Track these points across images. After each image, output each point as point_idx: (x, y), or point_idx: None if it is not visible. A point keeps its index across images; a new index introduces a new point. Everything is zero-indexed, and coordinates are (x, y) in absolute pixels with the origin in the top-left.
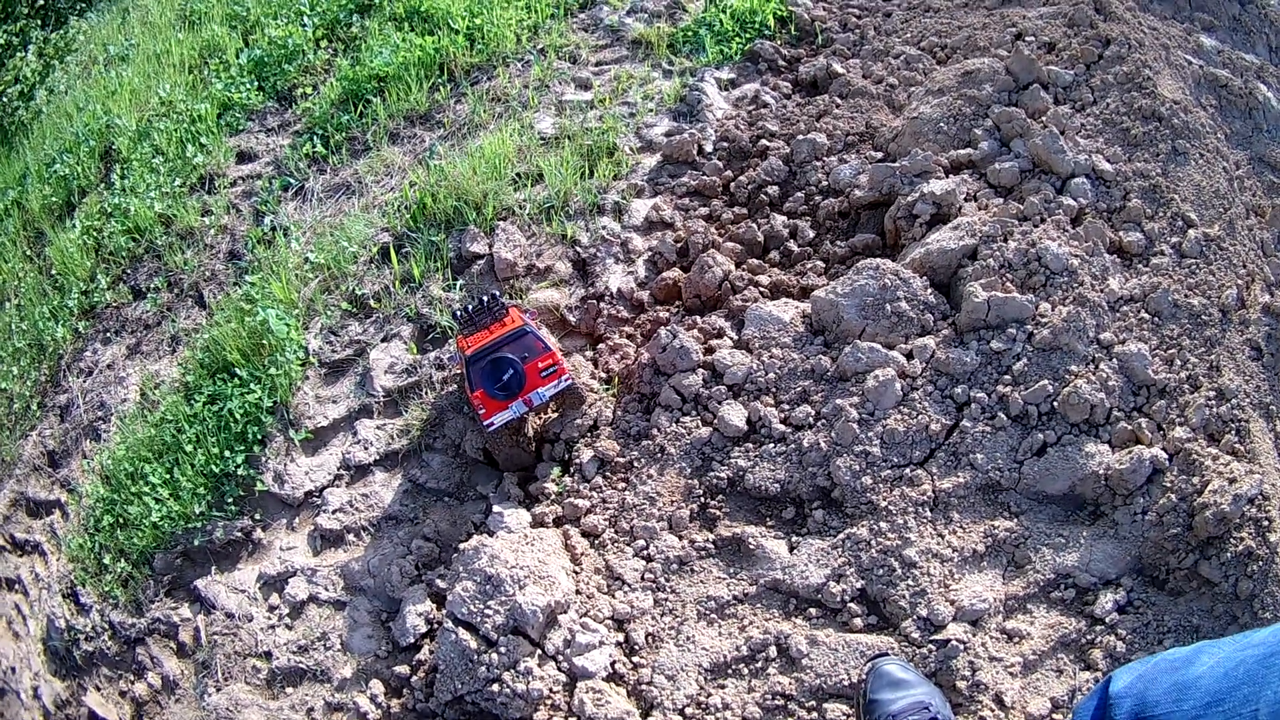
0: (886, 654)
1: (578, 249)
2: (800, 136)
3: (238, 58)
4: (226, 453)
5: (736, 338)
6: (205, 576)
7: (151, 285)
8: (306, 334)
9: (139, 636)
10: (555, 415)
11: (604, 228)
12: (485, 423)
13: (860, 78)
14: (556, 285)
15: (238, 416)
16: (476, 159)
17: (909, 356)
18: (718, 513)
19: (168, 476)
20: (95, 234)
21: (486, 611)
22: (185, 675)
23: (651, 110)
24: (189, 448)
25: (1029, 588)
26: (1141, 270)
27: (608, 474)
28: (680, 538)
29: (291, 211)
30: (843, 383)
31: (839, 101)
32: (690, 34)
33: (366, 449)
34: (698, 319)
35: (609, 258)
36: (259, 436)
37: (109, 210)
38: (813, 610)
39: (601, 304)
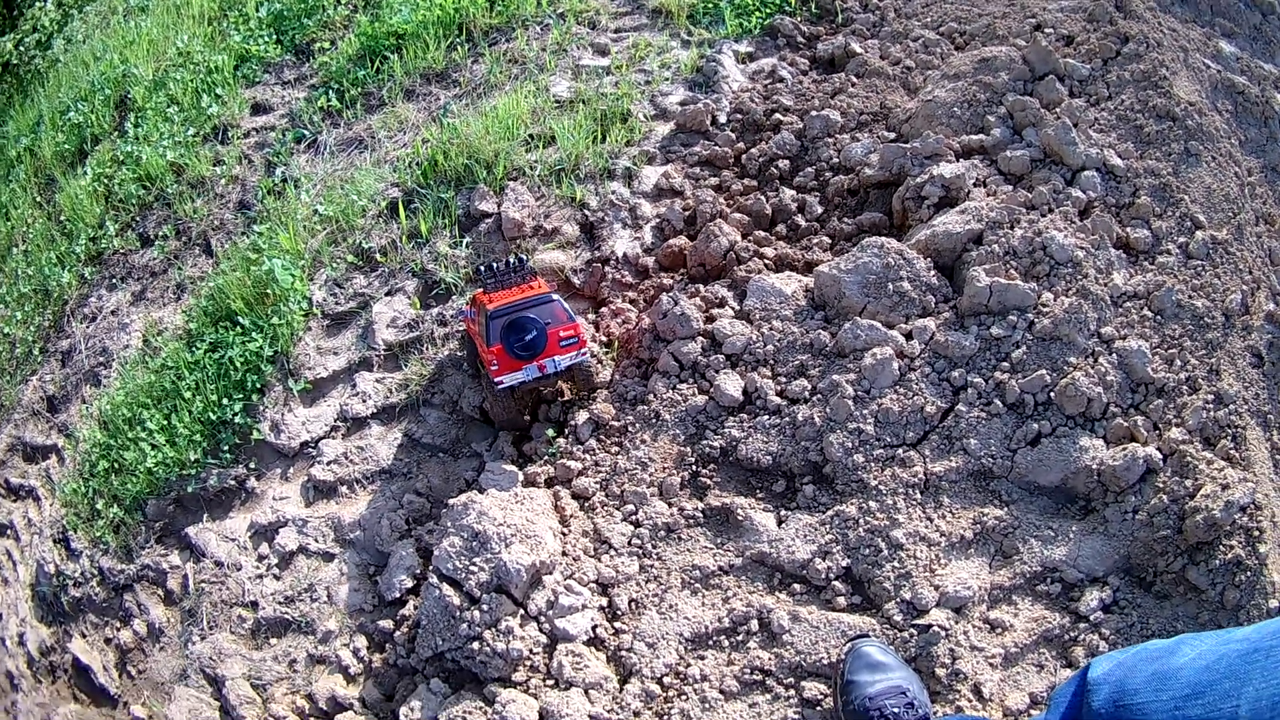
0: (867, 635)
1: (586, 212)
2: (814, 113)
3: (257, 10)
4: (225, 400)
5: (738, 308)
6: (197, 524)
7: (160, 233)
8: (311, 285)
9: (127, 583)
10: (558, 396)
11: (613, 193)
12: (496, 379)
13: (878, 58)
14: (563, 247)
15: (238, 365)
16: (490, 119)
17: (908, 337)
18: (708, 482)
19: (165, 423)
20: (106, 181)
21: (471, 568)
22: (171, 623)
23: (668, 79)
24: (188, 394)
25: (1015, 579)
26: (1147, 268)
27: (602, 437)
28: (670, 505)
29: (303, 164)
30: (841, 359)
31: (855, 80)
32: (710, 6)
33: (364, 402)
34: (700, 287)
35: (616, 223)
36: (258, 385)
37: (121, 158)
38: (797, 586)
39: (606, 268)
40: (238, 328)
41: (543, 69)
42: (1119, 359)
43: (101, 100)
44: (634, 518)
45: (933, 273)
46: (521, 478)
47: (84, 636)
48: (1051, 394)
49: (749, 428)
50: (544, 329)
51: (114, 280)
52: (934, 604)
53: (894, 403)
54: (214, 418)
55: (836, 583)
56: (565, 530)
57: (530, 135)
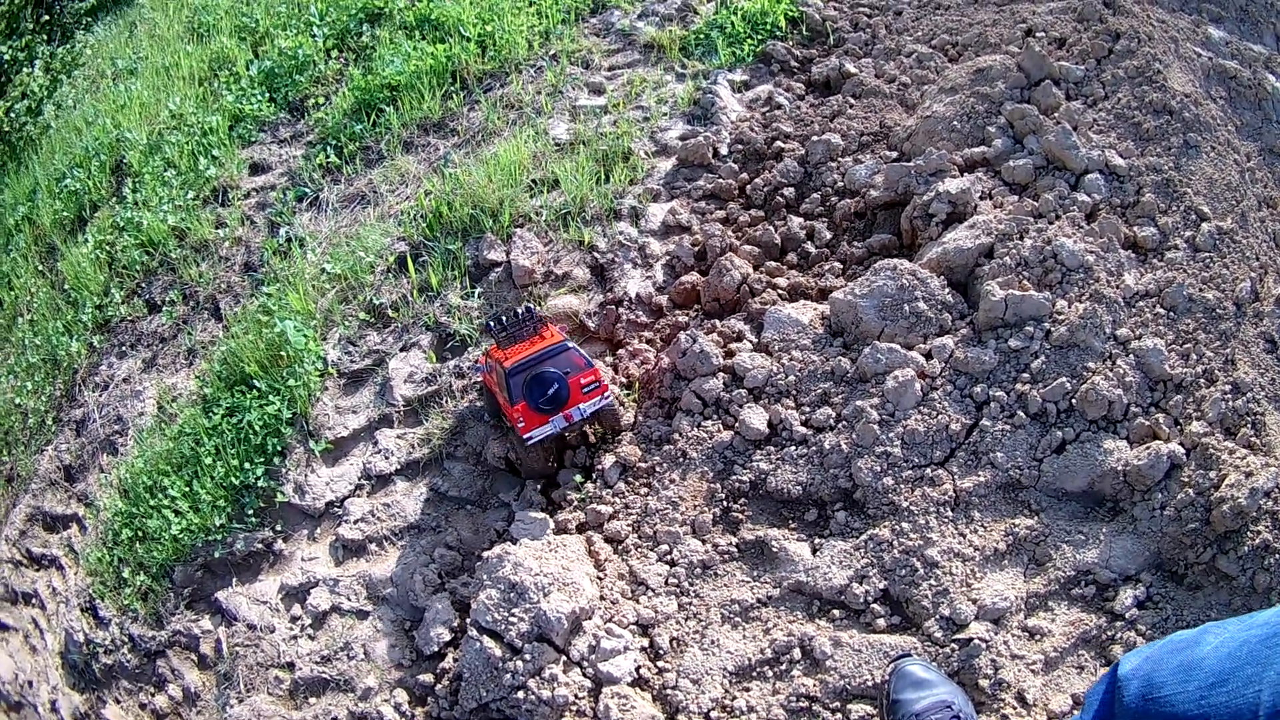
0: (909, 654)
1: (595, 255)
2: (815, 137)
3: (248, 69)
4: (246, 465)
5: (756, 341)
6: (226, 588)
7: (166, 299)
8: (324, 344)
9: (159, 649)
10: (584, 441)
11: (621, 233)
12: (525, 436)
13: (873, 77)
14: (575, 291)
15: (257, 428)
16: (492, 166)
17: (928, 356)
18: (740, 516)
19: (187, 489)
20: (108, 248)
21: (510, 619)
22: (207, 687)
23: (665, 114)
24: (208, 460)
25: (1049, 585)
26: (1156, 265)
27: (630, 479)
28: (703, 542)
29: (307, 222)
30: (863, 384)
31: (852, 101)
32: (702, 36)
33: (387, 459)
34: (716, 322)
35: (627, 263)
36: (279, 448)
37: (121, 224)
38: (836, 612)
39: (620, 309)
40: (254, 391)
41: (540, 112)
42: (1136, 359)
43: (97, 166)
44: (669, 557)
45: (947, 290)
46: (552, 525)
47: (118, 703)
48: (1073, 401)
49: (777, 460)
50: (565, 379)
51: (123, 348)
52: (973, 617)
53: (919, 423)
54: (236, 482)
55: (875, 605)
56: (601, 574)
57: (533, 180)
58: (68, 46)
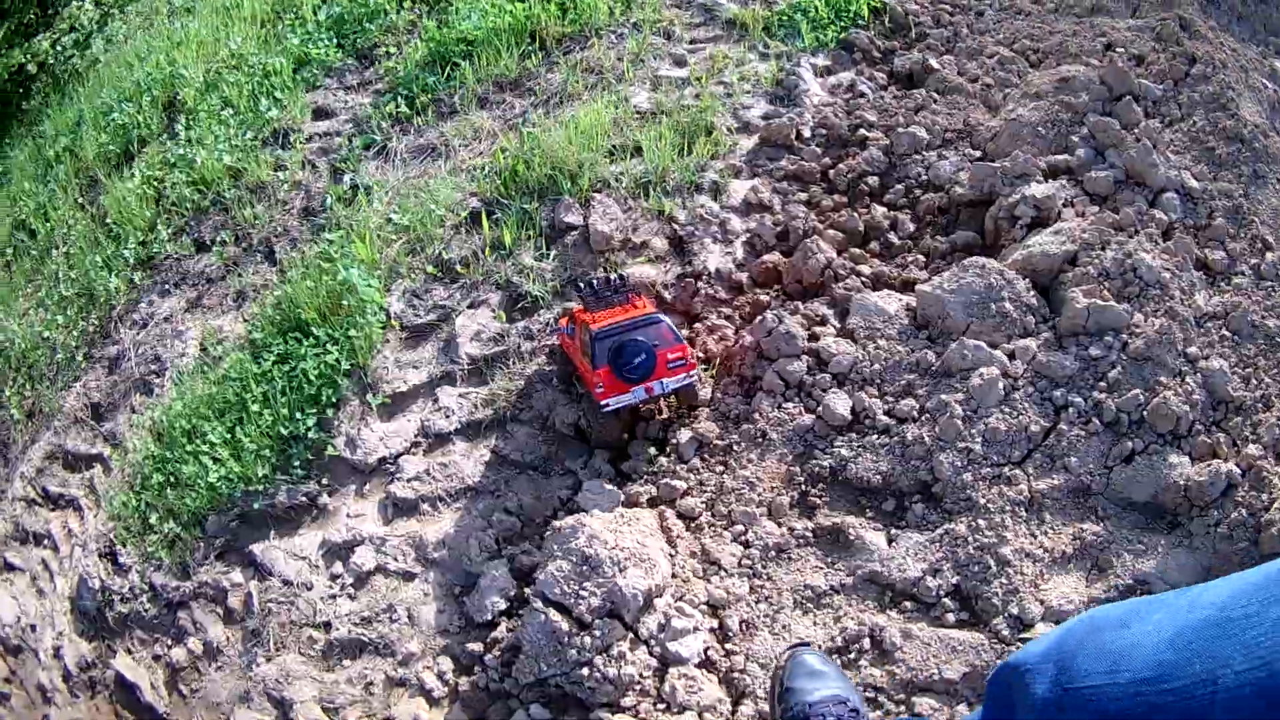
0: (807, 644)
1: (674, 226)
2: (900, 129)
3: (315, 14)
4: (297, 414)
5: (839, 326)
6: (262, 541)
7: (217, 239)
8: (388, 296)
9: (182, 600)
10: (657, 414)
11: (702, 206)
12: (602, 403)
13: (955, 74)
14: (653, 261)
15: (312, 378)
16: (571, 128)
17: (1011, 356)
18: (818, 501)
19: (229, 436)
20: (156, 184)
21: (581, 593)
22: (230, 642)
23: (747, 92)
24: (255, 407)
25: (1109, 591)
26: (1224, 288)
27: (706, 456)
28: (779, 525)
29: (373, 170)
30: (947, 378)
31: (936, 97)
32: (786, 18)
33: (448, 417)
34: (799, 304)
35: (706, 237)
36: (333, 399)
37: (172, 160)
38: (907, 603)
39: (699, 283)
40: (310, 339)
41: (621, 79)
42: (1203, 378)
43: (149, 101)
44: (743, 538)
45: (1032, 293)
46: (622, 498)
47: (130, 653)
48: (1144, 413)
49: (858, 447)
50: (653, 351)
51: (166, 286)
52: (1039, 618)
53: (1000, 421)
54: (285, 432)
55: (946, 599)
56: (673, 551)
57: (613, 146)
58: None
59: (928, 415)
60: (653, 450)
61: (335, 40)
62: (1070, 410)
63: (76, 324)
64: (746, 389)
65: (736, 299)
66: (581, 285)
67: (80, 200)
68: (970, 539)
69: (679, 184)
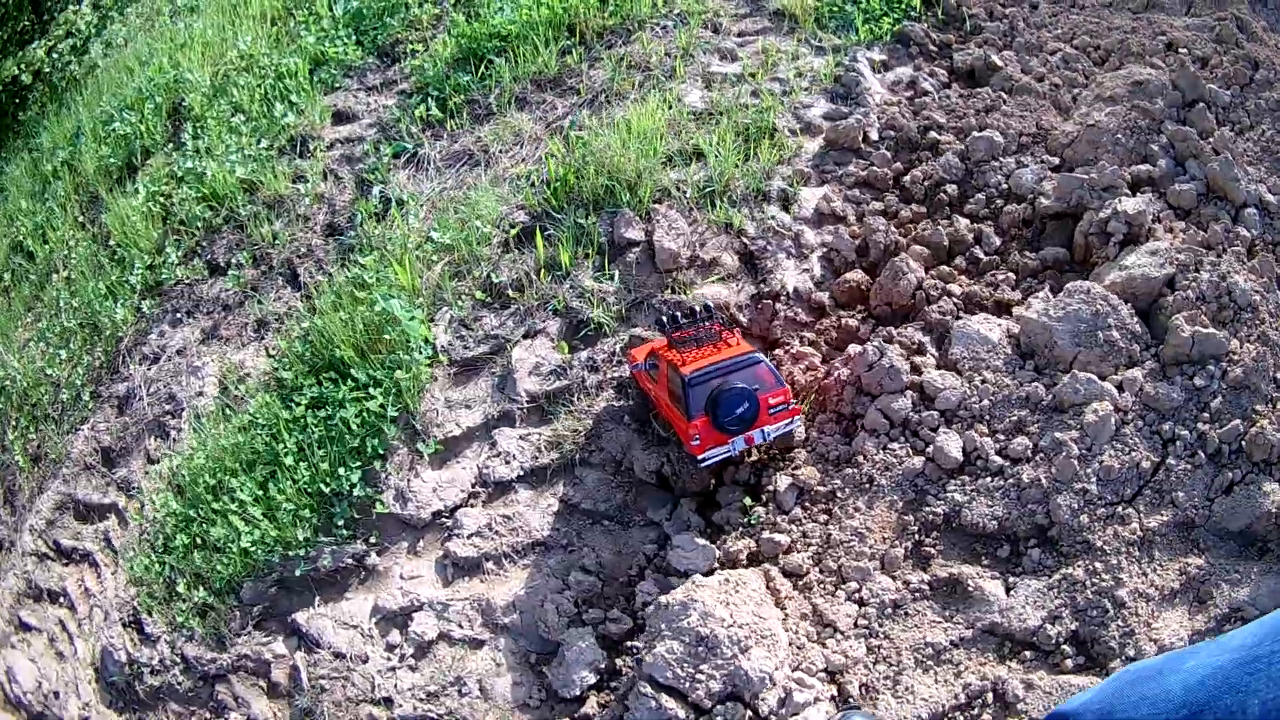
0: (859, 708)
1: (744, 240)
2: (975, 134)
3: (331, 9)
4: (339, 470)
5: (937, 354)
6: (306, 609)
7: (232, 260)
8: (433, 327)
9: (220, 673)
10: (746, 456)
11: (773, 218)
12: (699, 457)
13: (1020, 72)
14: (723, 280)
15: (354, 427)
16: (624, 132)
17: (1119, 388)
18: (932, 551)
19: (260, 493)
20: (163, 200)
21: (699, 676)
22: (278, 718)
23: (805, 89)
24: (289, 460)
25: (1209, 623)
26: None
27: (807, 505)
28: (894, 579)
29: (404, 181)
30: (1059, 414)
31: (1005, 97)
32: (837, 9)
33: (508, 463)
34: (893, 331)
35: (780, 252)
36: (380, 450)
37: (180, 174)
38: (1027, 653)
39: (778, 305)
40: (349, 382)
41: (671, 75)
42: None
43: (151, 109)
44: (857, 595)
45: (1135, 319)
46: (718, 554)
47: None
48: (1242, 442)
49: (971, 491)
50: (755, 398)
51: (178, 314)
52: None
53: (1113, 459)
54: (326, 490)
55: (1064, 645)
56: (784, 613)
57: (670, 152)
58: None
59: (1042, 454)
60: (748, 500)
61: (354, 37)
62: (1178, 443)
63: (81, 358)
64: (845, 427)
65: (819, 322)
66: (664, 319)
67: (81, 219)
68: (1088, 583)
69: (745, 193)
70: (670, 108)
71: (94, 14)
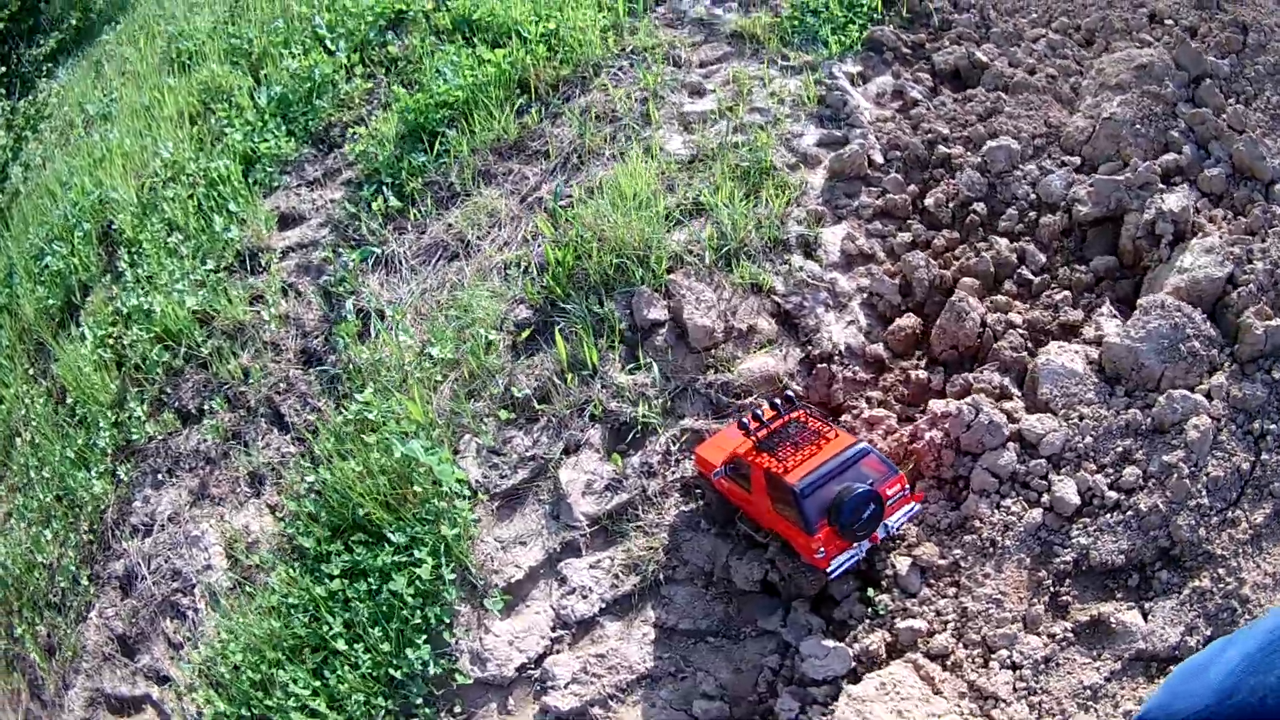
0: None
1: (775, 299)
2: (990, 143)
3: (253, 99)
4: (406, 650)
5: (1021, 395)
6: None
7: (205, 406)
8: (460, 460)
9: None
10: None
11: (800, 269)
12: (827, 570)
13: (1008, 66)
14: (765, 349)
15: (408, 599)
16: (614, 195)
17: (1208, 396)
18: (1069, 598)
19: (318, 684)
20: (112, 345)
21: None
22: None
23: (788, 115)
24: (341, 644)
25: None
26: None
27: (932, 581)
28: (1039, 635)
29: (378, 288)
30: (1160, 435)
31: (1004, 97)
32: (798, 23)
33: (585, 597)
34: (968, 378)
35: (817, 306)
36: (444, 618)
37: (125, 311)
38: (1171, 666)
39: (832, 366)
40: (388, 546)
41: (645, 122)
42: None
43: (80, 237)
44: (1009, 661)
45: (1208, 323)
46: (852, 654)
47: None
48: None
49: (1094, 531)
50: (880, 497)
51: (158, 475)
52: None
53: (1217, 468)
54: (395, 674)
55: None
56: (944, 699)
57: (667, 209)
58: (30, 99)
59: (1153, 479)
60: (869, 590)
61: (284, 127)
62: (1268, 438)
63: (67, 536)
64: (949, 492)
65: (881, 377)
66: (743, 421)
67: (31, 370)
68: (1214, 590)
69: (762, 245)
70: (654, 159)
71: (8, 134)
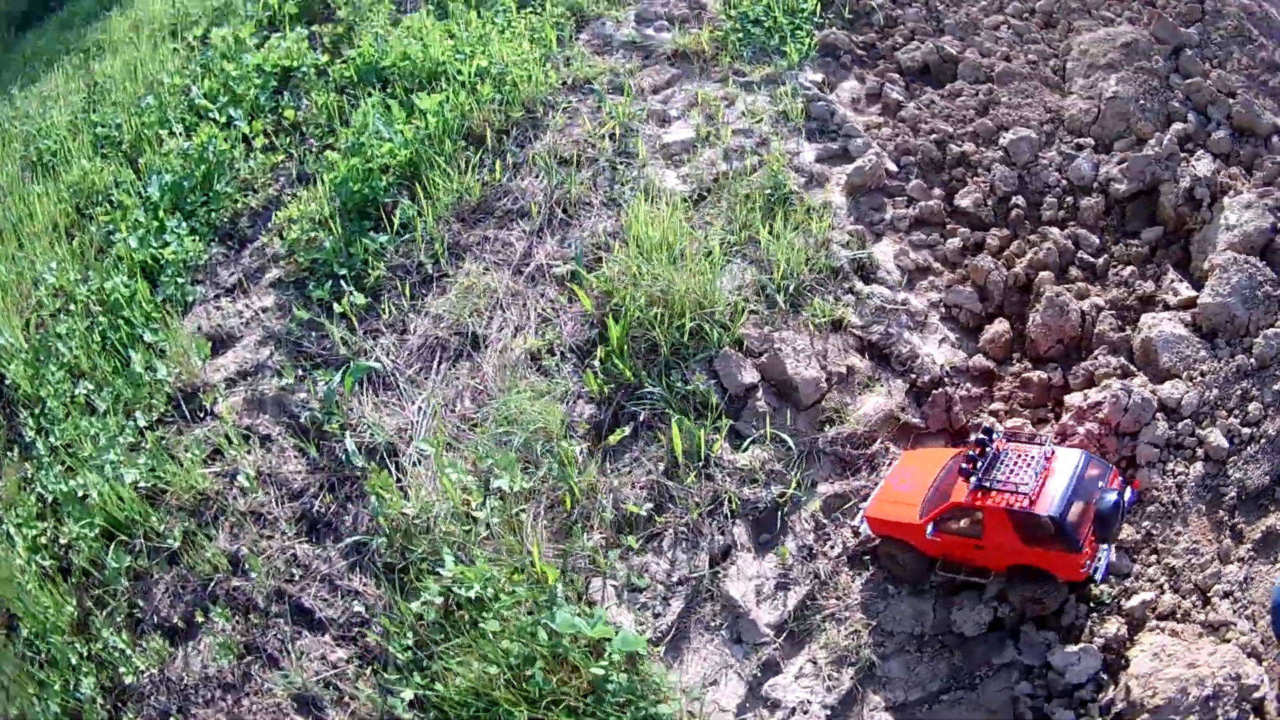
0: None
1: (855, 333)
2: (1009, 135)
3: (139, 193)
4: None
5: (1138, 367)
6: None
7: (194, 616)
8: (599, 605)
9: None
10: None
11: (870, 296)
12: (1095, 574)
13: (980, 57)
14: (869, 388)
15: None
16: (644, 249)
17: None
18: (1242, 525)
19: None
20: (48, 547)
21: None
22: None
23: (774, 134)
24: None
25: None
26: None
27: (1135, 556)
28: (1233, 562)
29: (375, 415)
30: (1264, 370)
31: (995, 88)
32: (741, 35)
33: (806, 712)
34: (1088, 367)
35: (901, 330)
36: None
37: (51, 497)
38: None
39: (945, 389)
40: None
41: (626, 160)
42: None
43: None
44: (1222, 591)
45: (1267, 267)
46: (1097, 648)
47: None
48: None
49: (1243, 465)
50: (1120, 491)
51: None
52: None
53: None
54: None
55: None
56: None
57: (698, 254)
58: None
59: (1272, 408)
60: (1095, 585)
61: (183, 224)
62: None
63: None
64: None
65: (994, 386)
66: (964, 467)
67: None
68: None
69: (819, 277)
70: (663, 201)
71: None
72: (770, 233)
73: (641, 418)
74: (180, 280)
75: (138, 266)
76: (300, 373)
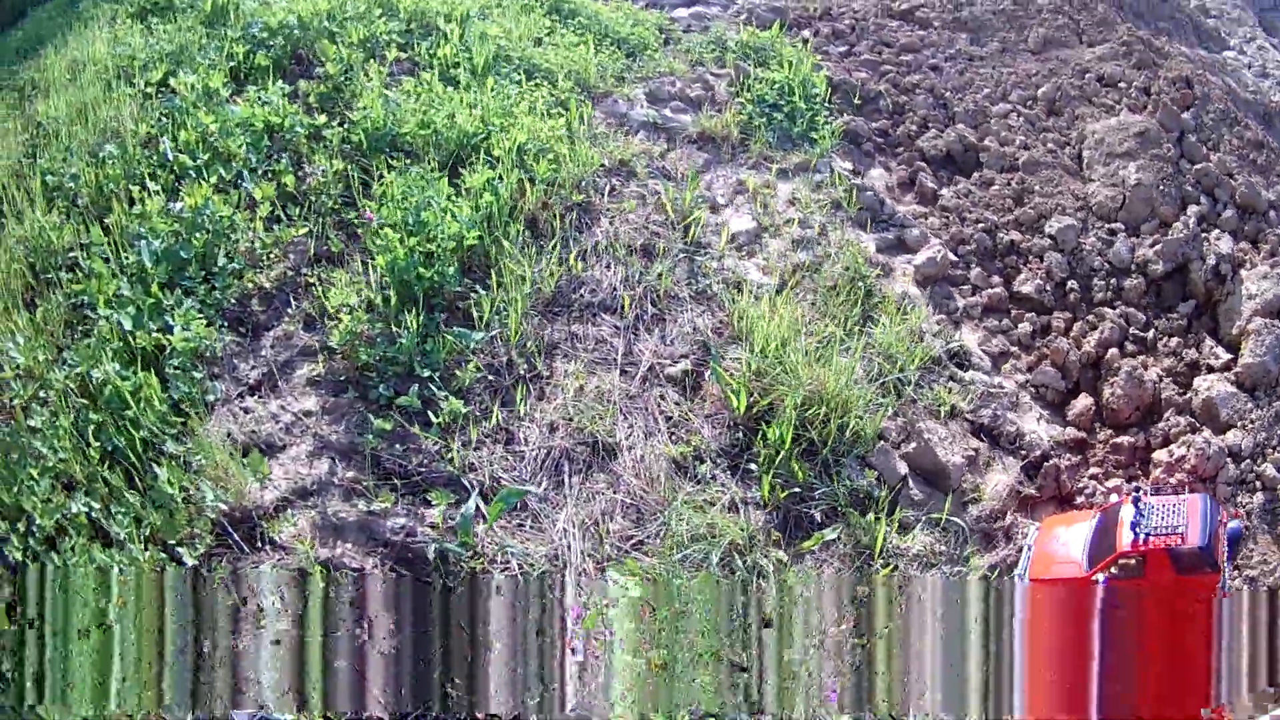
0: None
1: (967, 418)
2: (1055, 223)
3: (120, 260)
4: None
5: (1199, 422)
6: None
7: None
8: None
9: None
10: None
11: (972, 383)
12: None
13: (998, 145)
14: (990, 467)
15: None
16: (763, 344)
17: None
18: None
19: None
20: None
21: None
22: None
23: (828, 223)
24: None
25: None
26: None
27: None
28: None
29: (519, 546)
30: None
31: (1025, 177)
32: (769, 121)
33: None
34: (1165, 428)
35: (1005, 412)
36: None
37: None
38: None
39: (1054, 462)
40: None
41: (695, 250)
42: None
43: None
44: None
45: None
46: None
47: None
48: None
49: None
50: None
51: None
52: None
53: None
54: None
55: None
56: None
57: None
58: None
59: None
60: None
61: (184, 303)
62: None
63: None
64: None
65: (1089, 452)
66: (1135, 527)
67: None
68: None
69: (922, 365)
70: (742, 294)
71: None
72: (878, 325)
73: (818, 525)
74: (195, 374)
75: (137, 353)
76: (394, 494)
